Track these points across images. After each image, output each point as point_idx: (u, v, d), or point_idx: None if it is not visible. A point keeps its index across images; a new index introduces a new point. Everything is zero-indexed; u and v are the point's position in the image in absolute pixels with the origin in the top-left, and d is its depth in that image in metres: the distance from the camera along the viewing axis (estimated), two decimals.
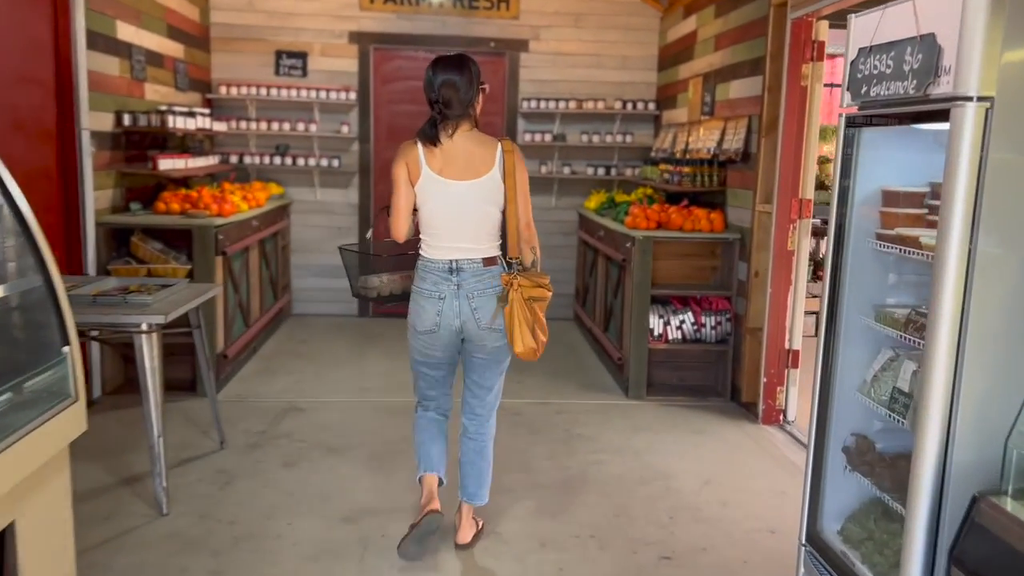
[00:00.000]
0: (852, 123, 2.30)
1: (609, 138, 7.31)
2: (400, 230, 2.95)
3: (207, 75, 7.05)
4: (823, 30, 4.55)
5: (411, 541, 3.01)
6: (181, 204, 5.28)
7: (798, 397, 4.83)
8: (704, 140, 5.66)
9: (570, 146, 7.30)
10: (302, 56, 7.18)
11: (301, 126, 7.10)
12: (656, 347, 5.21)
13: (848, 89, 2.28)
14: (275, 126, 7.07)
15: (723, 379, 5.30)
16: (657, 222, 5.28)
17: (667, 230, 5.26)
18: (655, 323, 5.19)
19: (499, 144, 2.97)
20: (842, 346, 2.44)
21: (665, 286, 5.26)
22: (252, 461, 4.05)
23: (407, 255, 3.14)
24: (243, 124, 7.04)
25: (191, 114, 5.76)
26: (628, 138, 7.34)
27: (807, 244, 4.73)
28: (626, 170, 7.39)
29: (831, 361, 2.44)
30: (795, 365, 4.80)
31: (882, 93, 2.10)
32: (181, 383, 5.04)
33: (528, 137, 7.23)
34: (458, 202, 2.90)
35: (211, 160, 6.38)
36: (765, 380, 4.79)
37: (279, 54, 7.16)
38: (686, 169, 5.58)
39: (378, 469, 4.00)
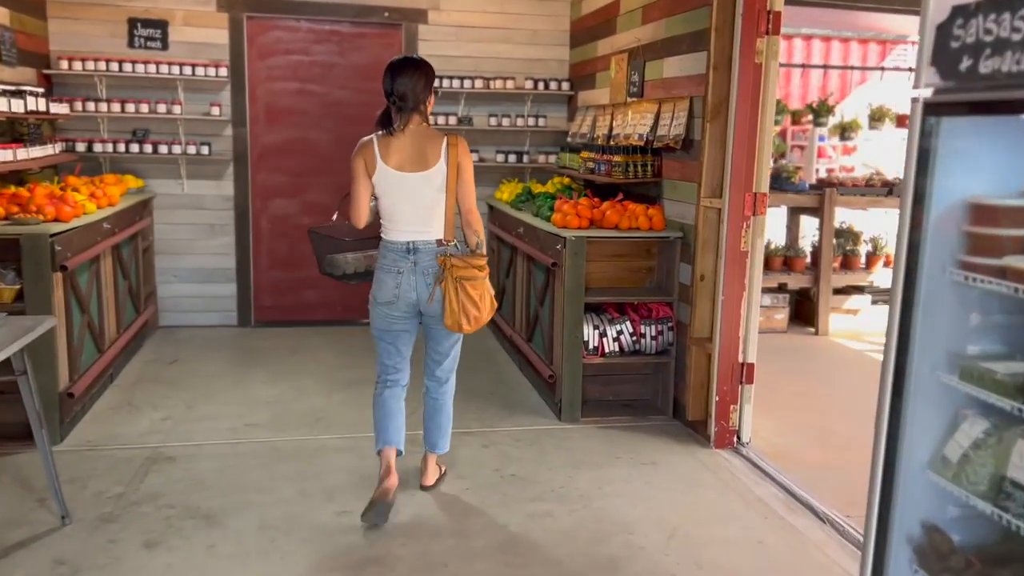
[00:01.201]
0: (937, 110, 1.66)
1: (520, 121, 6.61)
2: (360, 218, 3.33)
3: (43, 46, 5.90)
4: None
5: (372, 515, 3.28)
6: (6, 207, 4.23)
7: (753, 416, 4.30)
8: (634, 125, 5.04)
9: (477, 130, 6.55)
10: (161, 25, 6.12)
11: (163, 107, 6.06)
12: (591, 362, 4.56)
13: (933, 64, 1.64)
14: (131, 108, 6.00)
15: (664, 394, 4.72)
16: (589, 219, 4.61)
17: (601, 228, 4.61)
18: (590, 335, 4.54)
19: (445, 139, 3.30)
20: (909, 409, 1.82)
21: (599, 291, 4.62)
22: (103, 542, 3.15)
23: (368, 237, 3.45)
24: (91, 105, 5.93)
25: (18, 93, 4.68)
26: (541, 121, 6.65)
27: (762, 244, 4.18)
28: (539, 156, 6.71)
29: (898, 430, 1.82)
30: (749, 380, 4.25)
31: (1005, 68, 1.46)
32: (14, 430, 3.97)
33: (430, 120, 6.41)
34: (411, 191, 3.26)
35: (49, 149, 5.28)
36: (717, 399, 4.23)
37: (133, 22, 6.08)
38: (616, 158, 4.93)
39: (271, 545, 3.17)
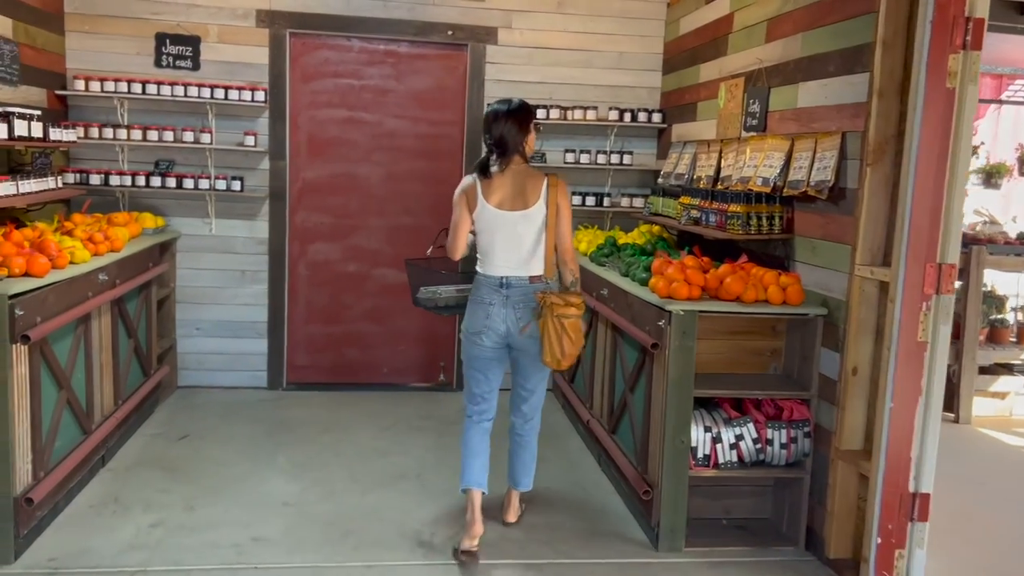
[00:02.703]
0: None
1: (601, 157, 5.61)
2: (456, 252, 3.47)
3: (59, 64, 5.14)
4: (981, 1, 2.91)
5: (462, 558, 3.37)
6: None
7: (926, 564, 3.16)
8: (754, 166, 4.00)
9: (551, 167, 5.57)
10: (193, 42, 5.32)
11: (190, 136, 5.24)
12: (701, 474, 3.50)
13: None
14: (154, 135, 5.19)
15: (793, 518, 3.62)
16: (702, 287, 3.57)
17: (718, 300, 3.56)
18: (700, 438, 3.48)
19: (546, 179, 3.38)
20: None
21: (710, 380, 3.57)
22: None
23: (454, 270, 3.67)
24: (109, 132, 5.14)
25: (4, 116, 3.87)
26: (626, 158, 5.65)
27: (947, 333, 3.07)
28: (622, 199, 5.70)
29: None
30: (923, 517, 3.12)
31: None
32: None
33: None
34: (509, 229, 3.36)
35: (50, 183, 4.46)
36: (879, 541, 3.10)
37: (161, 38, 5.29)
38: (734, 207, 3.89)
39: None
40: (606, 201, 5.65)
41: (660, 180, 5.33)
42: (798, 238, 3.77)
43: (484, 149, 3.45)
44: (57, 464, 3.48)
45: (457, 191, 3.43)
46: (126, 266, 4.29)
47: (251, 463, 4.28)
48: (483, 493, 3.45)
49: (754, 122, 4.17)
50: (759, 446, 3.50)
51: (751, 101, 4.22)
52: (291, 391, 5.61)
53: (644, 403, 3.72)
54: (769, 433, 3.49)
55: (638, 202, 5.63)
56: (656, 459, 3.54)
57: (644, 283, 3.86)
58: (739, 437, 3.49)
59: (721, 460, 3.50)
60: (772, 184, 3.77)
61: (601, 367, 4.44)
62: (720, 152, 4.51)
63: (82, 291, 3.71)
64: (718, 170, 4.48)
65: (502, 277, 3.36)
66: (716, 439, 3.48)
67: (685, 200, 4.52)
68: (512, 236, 3.34)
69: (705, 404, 3.60)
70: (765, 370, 3.77)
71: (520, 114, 3.36)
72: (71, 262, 3.72)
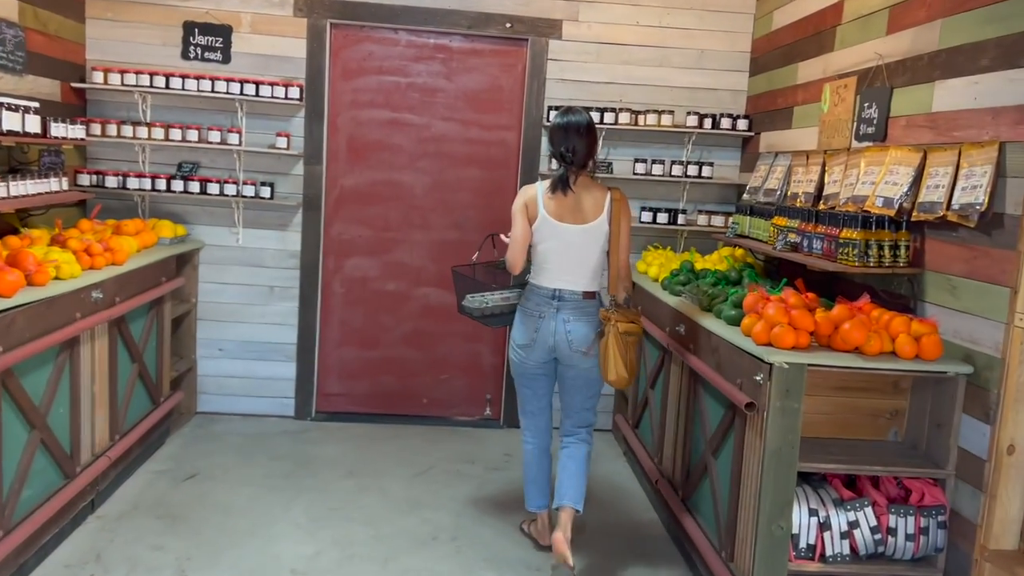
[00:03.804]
0: None
1: (676, 169, 4.91)
2: (517, 265, 3.32)
3: (77, 54, 4.66)
4: None
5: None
6: None
7: None
8: (870, 183, 3.27)
9: (619, 179, 4.89)
10: (223, 32, 4.79)
11: (217, 135, 4.71)
12: (804, 568, 2.78)
13: None
14: (177, 134, 4.68)
15: None
16: (811, 332, 2.85)
17: (831, 351, 2.84)
18: (802, 523, 2.77)
19: (609, 193, 3.28)
20: None
21: (815, 447, 2.85)
22: None
23: (500, 277, 3.59)
24: (128, 130, 4.64)
25: None
26: (705, 170, 4.94)
27: None
28: (699, 217, 4.99)
29: None
30: None
31: None
32: None
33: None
34: (567, 242, 3.24)
35: (54, 184, 3.96)
36: None
37: (189, 27, 4.78)
38: (849, 233, 3.15)
39: None
40: (680, 218, 4.95)
41: (745, 196, 4.62)
42: (929, 274, 3.03)
43: (549, 161, 3.15)
44: (22, 520, 2.92)
45: (517, 201, 3.31)
46: (130, 281, 3.76)
47: (262, 514, 3.69)
48: (547, 510, 3.53)
49: (870, 130, 3.45)
50: (878, 536, 2.77)
51: (866, 105, 3.49)
52: (320, 421, 5.03)
53: (731, 473, 3.01)
54: (892, 520, 2.76)
55: (717, 220, 4.92)
56: (746, 546, 2.83)
57: (733, 322, 3.16)
58: (853, 524, 2.77)
59: (829, 552, 2.77)
60: (896, 206, 3.04)
61: (676, 420, 3.74)
62: (823, 165, 3.79)
63: (68, 312, 3.17)
64: (820, 187, 3.76)
65: (555, 289, 3.27)
66: (824, 525, 2.76)
67: (780, 221, 3.79)
68: (569, 249, 3.24)
69: (809, 478, 2.89)
70: (882, 436, 3.04)
71: (593, 128, 3.28)
72: (56, 278, 3.19)
